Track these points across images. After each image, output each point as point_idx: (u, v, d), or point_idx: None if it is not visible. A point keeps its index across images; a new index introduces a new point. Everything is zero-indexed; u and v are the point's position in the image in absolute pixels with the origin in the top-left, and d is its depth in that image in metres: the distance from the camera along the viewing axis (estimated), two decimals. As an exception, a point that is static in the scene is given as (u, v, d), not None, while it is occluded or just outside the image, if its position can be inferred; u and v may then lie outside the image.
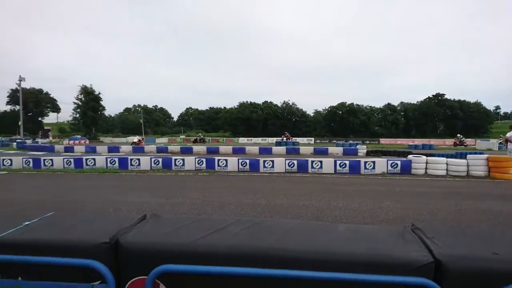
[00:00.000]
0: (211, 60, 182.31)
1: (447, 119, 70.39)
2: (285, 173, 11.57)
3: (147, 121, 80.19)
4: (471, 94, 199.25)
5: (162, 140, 48.47)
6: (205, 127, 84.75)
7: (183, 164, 12.35)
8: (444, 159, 11.26)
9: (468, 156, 11.34)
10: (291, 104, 77.68)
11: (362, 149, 21.13)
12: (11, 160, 13.06)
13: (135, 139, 31.40)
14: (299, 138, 49.37)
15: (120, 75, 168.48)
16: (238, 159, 12.22)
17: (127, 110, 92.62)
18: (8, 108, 65.39)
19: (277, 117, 73.64)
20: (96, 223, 2.09)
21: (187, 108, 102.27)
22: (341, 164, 11.50)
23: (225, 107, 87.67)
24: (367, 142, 40.69)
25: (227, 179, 10.19)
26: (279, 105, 77.07)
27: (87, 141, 39.89)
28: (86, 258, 1.62)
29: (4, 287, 1.67)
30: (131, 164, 12.57)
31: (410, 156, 11.98)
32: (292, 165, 11.75)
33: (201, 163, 12.34)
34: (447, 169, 10.99)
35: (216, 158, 12.56)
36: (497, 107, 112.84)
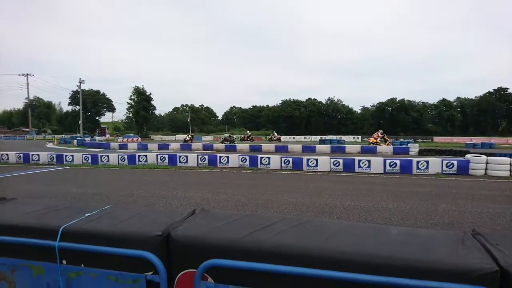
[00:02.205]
0: (255, 59, 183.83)
1: (510, 115, 63.31)
2: (330, 172, 11.30)
3: (194, 119, 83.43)
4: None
5: (207, 138, 50.09)
6: (247, 125, 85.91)
7: (228, 162, 12.65)
8: (507, 159, 10.18)
9: (538, 156, 10.13)
10: (336, 100, 75.58)
11: (414, 147, 19.87)
12: (72, 156, 14.41)
13: (187, 137, 33.33)
14: (345, 136, 47.85)
15: (170, 76, 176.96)
16: (281, 157, 12.20)
17: (175, 109, 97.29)
18: (70, 108, 72.21)
19: (321, 114, 72.12)
20: (149, 216, 2.21)
21: (231, 107, 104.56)
22: (391, 164, 10.93)
23: (267, 105, 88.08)
24: (420, 140, 38.25)
25: (270, 177, 10.23)
26: (323, 102, 75.45)
27: (139, 139, 42.52)
28: (140, 249, 1.73)
29: (69, 272, 1.84)
30: (180, 161, 13.17)
31: (468, 156, 11.01)
32: (338, 164, 11.43)
33: (244, 161, 12.53)
34: (510, 170, 9.92)
35: (259, 156, 12.66)
36: None
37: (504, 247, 1.71)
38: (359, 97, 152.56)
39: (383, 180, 9.57)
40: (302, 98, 76.52)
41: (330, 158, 11.70)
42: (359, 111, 74.84)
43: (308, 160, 11.78)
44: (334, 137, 42.90)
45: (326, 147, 22.14)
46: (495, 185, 8.56)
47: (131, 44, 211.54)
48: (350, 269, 1.58)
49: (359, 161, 11.24)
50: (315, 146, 22.49)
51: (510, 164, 10.04)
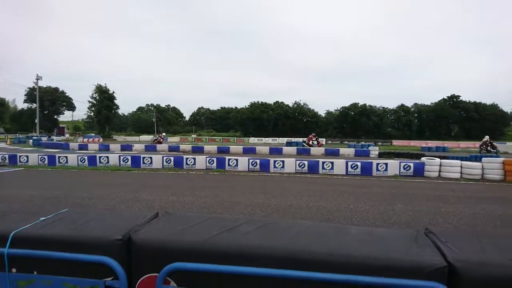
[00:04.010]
0: (223, 60, 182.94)
1: (462, 121, 68.76)
2: (295, 173, 11.53)
3: (160, 120, 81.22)
4: (488, 96, 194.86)
5: (174, 139, 49.00)
6: (216, 127, 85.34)
7: (194, 163, 12.46)
8: (458, 162, 11.02)
9: (483, 159, 11.07)
10: (302, 104, 77.42)
11: (374, 150, 20.86)
12: (27, 156, 13.42)
13: (160, 135, 33.26)
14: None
15: (134, 75, 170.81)
16: (249, 159, 12.25)
17: (140, 109, 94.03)
18: (25, 106, 67.19)
19: (288, 117, 73.48)
20: (109, 220, 2.12)
21: (199, 108, 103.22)
22: (352, 166, 11.39)
23: (236, 107, 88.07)
24: (379, 143, 40.13)
25: (238, 179, 10.23)
26: (291, 105, 76.96)
27: (101, 139, 40.66)
28: (99, 254, 1.65)
29: (19, 281, 1.71)
30: (144, 163, 12.75)
31: (423, 159, 11.77)
32: (303, 165, 11.70)
33: (211, 162, 12.42)
34: (461, 172, 10.76)
35: (227, 157, 12.62)
36: None
37: (453, 244, 1.84)
38: (324, 101, 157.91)
39: (345, 181, 9.95)
40: (270, 100, 77.59)
41: (296, 160, 11.94)
42: (323, 115, 77.25)
43: (275, 162, 11.93)
44: (301, 139, 43.84)
45: (293, 149, 22.57)
46: (447, 186, 9.22)
47: (95, 40, 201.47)
48: (313, 268, 1.62)
49: (323, 163, 11.60)
50: (282, 148, 22.85)
51: (460, 166, 10.87)
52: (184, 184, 9.10)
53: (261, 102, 76.71)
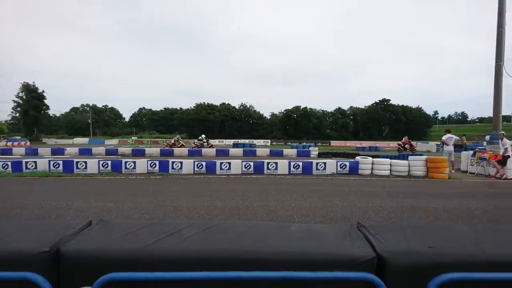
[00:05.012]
0: (168, 60, 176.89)
1: (391, 123, 76.06)
2: (241, 174, 11.61)
3: (96, 121, 75.54)
4: (414, 100, 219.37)
5: (112, 142, 45.86)
6: (159, 128, 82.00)
7: (134, 167, 11.81)
8: (388, 160, 12.13)
9: (409, 157, 12.35)
10: (248, 106, 78.42)
11: (314, 151, 21.97)
12: None
13: (172, 141, 27.67)
14: (256, 140, 50.00)
15: (67, 72, 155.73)
16: (194, 162, 12.01)
17: (74, 109, 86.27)
18: None
19: (234, 119, 73.78)
20: (35, 230, 1.93)
21: (140, 108, 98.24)
22: (294, 166, 11.86)
23: (181, 108, 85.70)
24: (319, 144, 42.42)
25: (182, 182, 9.96)
26: (237, 107, 77.42)
27: (28, 143, 36.46)
28: (23, 269, 1.49)
29: None
30: (77, 167, 11.72)
31: (357, 158, 12.73)
32: (249, 166, 11.85)
33: (154, 166, 11.90)
34: (390, 170, 11.84)
35: (170, 160, 12.21)
36: (436, 112, 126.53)
37: (381, 236, 2.03)
38: (269, 104, 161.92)
39: (288, 180, 10.32)
40: (217, 102, 77.13)
41: (242, 161, 12.04)
42: (269, 117, 79.22)
43: (221, 163, 11.88)
44: (247, 141, 44.41)
45: (239, 151, 22.73)
46: (378, 183, 10.09)
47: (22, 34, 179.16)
48: (256, 267, 1.65)
49: (268, 163, 11.88)
50: (228, 150, 22.88)
51: (390, 164, 11.96)
52: (123, 189, 8.58)
53: (207, 103, 75.86)
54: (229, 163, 11.87)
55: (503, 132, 11.67)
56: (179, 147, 25.48)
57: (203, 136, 29.58)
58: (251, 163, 11.94)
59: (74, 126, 74.82)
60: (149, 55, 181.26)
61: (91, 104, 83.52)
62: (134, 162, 11.94)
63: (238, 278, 1.52)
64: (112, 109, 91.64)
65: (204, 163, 11.91)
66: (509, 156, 10.71)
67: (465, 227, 3.52)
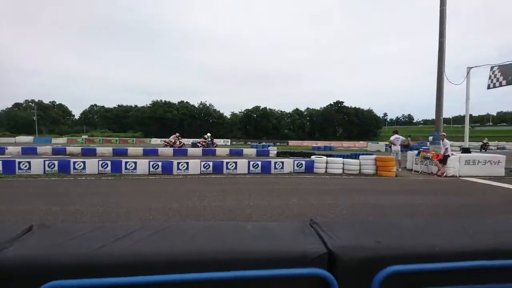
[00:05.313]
0: (121, 55, 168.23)
1: (345, 124, 79.97)
2: (200, 174, 11.44)
3: (42, 118, 69.60)
4: (365, 103, 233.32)
5: (60, 141, 42.54)
6: (112, 127, 77.71)
7: (84, 168, 11.07)
8: (341, 159, 12.73)
9: (361, 157, 13.06)
10: (208, 105, 77.34)
11: (273, 150, 22.34)
12: None
13: (203, 141, 26.20)
14: (216, 139, 49.53)
15: (9, 65, 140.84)
16: (149, 161, 11.57)
17: (16, 105, 78.45)
18: None
19: (193, 117, 72.29)
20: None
21: (91, 105, 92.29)
22: (254, 165, 11.96)
23: (136, 105, 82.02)
24: (278, 144, 43.22)
25: (136, 183, 9.55)
26: (196, 105, 75.98)
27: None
28: None
29: None
30: (20, 168, 10.69)
31: (313, 157, 13.18)
32: (208, 166, 11.70)
33: (105, 166, 11.25)
34: (343, 168, 12.45)
35: (124, 160, 11.64)
36: (385, 114, 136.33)
37: (332, 232, 2.11)
38: (229, 103, 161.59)
39: (247, 180, 10.38)
40: (174, 100, 74.98)
41: (200, 161, 11.85)
42: (229, 116, 78.96)
43: (178, 163, 11.59)
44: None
45: (198, 150, 22.32)
46: (332, 181, 10.54)
47: None
48: (213, 268, 1.64)
49: (227, 163, 11.84)
50: (187, 149, 22.36)
51: (343, 163, 12.56)
52: (71, 191, 8.00)
53: (165, 101, 73.46)
54: (187, 163, 11.62)
55: (444, 133, 12.81)
56: (180, 146, 24.51)
57: (208, 134, 27.96)
58: (210, 163, 11.81)
59: (17, 123, 68.17)
60: (101, 50, 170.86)
61: (36, 100, 76.72)
62: (84, 162, 11.19)
63: (192, 280, 1.49)
64: (61, 105, 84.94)
65: (160, 163, 11.53)
66: (449, 156, 11.79)
67: (409, 221, 3.81)
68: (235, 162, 11.91)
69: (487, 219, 2.67)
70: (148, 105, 73.18)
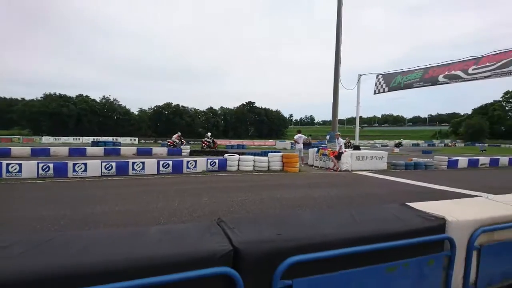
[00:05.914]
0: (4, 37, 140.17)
1: (256, 123, 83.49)
2: (101, 177, 10.36)
3: None
4: (274, 104, 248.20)
5: None
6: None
7: None
8: (251, 157, 13.23)
9: (269, 154, 13.76)
10: (112, 100, 70.69)
11: (186, 149, 21.76)
12: None
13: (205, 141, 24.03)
14: (122, 137, 45.66)
15: None
16: (38, 163, 9.96)
17: None
18: None
19: (95, 113, 65.08)
20: None
21: (-39, 96, 74.51)
22: (164, 165, 11.43)
23: (23, 98, 69.65)
24: (192, 142, 42.40)
25: (20, 188, 8.12)
26: (98, 100, 68.63)
27: None
28: None
29: None
30: None
31: (226, 155, 13.35)
32: (110, 167, 10.68)
33: (-23, 170, 9.24)
34: (254, 165, 12.96)
35: (5, 162, 9.75)
36: (291, 115, 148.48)
37: (238, 229, 2.14)
38: (137, 98, 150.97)
39: (156, 181, 9.85)
40: (71, 93, 66.26)
41: (102, 162, 10.73)
42: (136, 113, 73.84)
43: (75, 164, 10.26)
44: (110, 138, 39.88)
45: (100, 150, 20.17)
46: (244, 178, 10.83)
47: None
48: (111, 279, 1.49)
49: (133, 163, 11.03)
50: (85, 148, 19.97)
51: (253, 160, 13.05)
52: None
53: (59, 94, 64.23)
54: (85, 164, 10.39)
55: (338, 132, 14.50)
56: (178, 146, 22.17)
57: (209, 134, 26.44)
58: (113, 164, 10.80)
59: None
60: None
61: None
62: None
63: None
64: None
65: (51, 165, 10.04)
66: (342, 152, 13.34)
67: (308, 213, 4.17)
68: (143, 162, 11.17)
69: (371, 207, 3.09)
70: (39, 98, 62.99)
